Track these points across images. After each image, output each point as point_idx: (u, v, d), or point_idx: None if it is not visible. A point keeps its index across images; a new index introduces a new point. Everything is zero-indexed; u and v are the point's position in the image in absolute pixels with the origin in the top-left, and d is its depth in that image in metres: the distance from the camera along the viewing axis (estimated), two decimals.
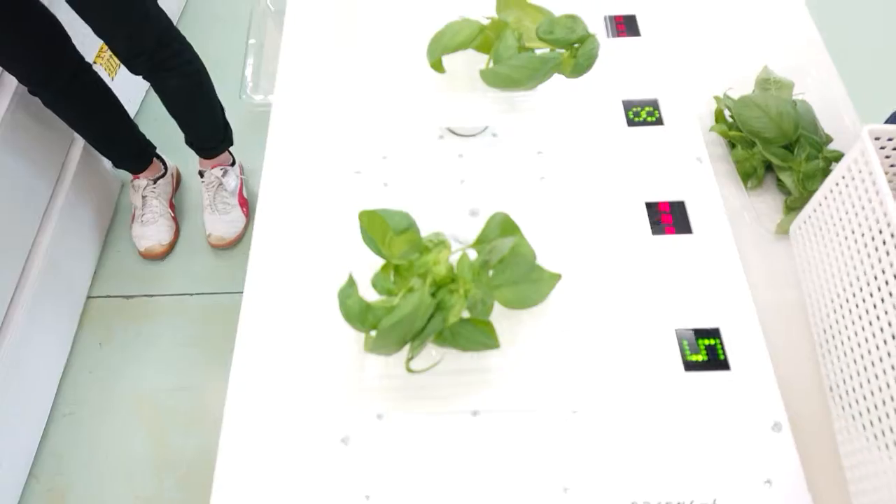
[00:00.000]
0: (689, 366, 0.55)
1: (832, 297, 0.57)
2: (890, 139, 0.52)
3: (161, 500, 1.33)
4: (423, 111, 0.67)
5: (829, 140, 0.71)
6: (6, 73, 1.31)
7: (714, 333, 0.56)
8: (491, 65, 0.64)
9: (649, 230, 0.61)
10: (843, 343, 0.54)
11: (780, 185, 0.69)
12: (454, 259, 0.53)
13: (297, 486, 0.50)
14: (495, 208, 0.62)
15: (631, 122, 0.67)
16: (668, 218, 0.62)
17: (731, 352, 0.55)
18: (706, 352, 0.55)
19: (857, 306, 0.52)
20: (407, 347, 0.52)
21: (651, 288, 0.59)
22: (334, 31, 0.76)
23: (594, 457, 0.51)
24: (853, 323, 0.52)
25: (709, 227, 0.61)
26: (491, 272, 0.52)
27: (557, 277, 0.55)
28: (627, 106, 0.68)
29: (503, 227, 0.53)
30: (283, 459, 0.51)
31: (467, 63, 0.66)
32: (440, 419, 0.53)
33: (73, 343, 1.48)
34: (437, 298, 0.48)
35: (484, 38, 0.64)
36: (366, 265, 0.54)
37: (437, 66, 0.65)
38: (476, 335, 0.52)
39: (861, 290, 0.51)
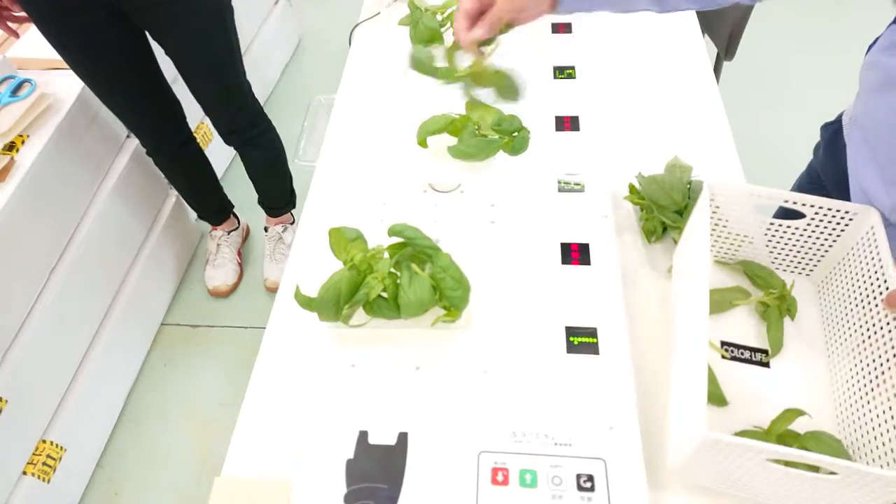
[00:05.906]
0: (571, 348, 0.83)
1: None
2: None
3: (199, 499, 1.62)
4: (412, 172, 1.03)
5: None
6: (130, 138, 1.77)
7: (592, 333, 0.84)
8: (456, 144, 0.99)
9: (560, 261, 0.91)
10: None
11: (674, 240, 0.98)
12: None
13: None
14: (455, 242, 0.94)
15: (561, 190, 0.99)
16: (576, 254, 0.92)
17: (603, 343, 0.83)
18: (586, 340, 0.83)
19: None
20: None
21: (555, 298, 0.88)
22: (361, 120, 1.16)
23: (499, 405, 0.79)
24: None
25: (603, 262, 0.91)
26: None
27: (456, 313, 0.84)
28: (561, 178, 1.00)
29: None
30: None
31: (442, 141, 1.02)
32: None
33: (144, 361, 1.85)
34: (364, 279, 0.79)
35: (454, 127, 0.99)
36: None
37: (423, 143, 1.01)
38: (388, 310, 0.81)
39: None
